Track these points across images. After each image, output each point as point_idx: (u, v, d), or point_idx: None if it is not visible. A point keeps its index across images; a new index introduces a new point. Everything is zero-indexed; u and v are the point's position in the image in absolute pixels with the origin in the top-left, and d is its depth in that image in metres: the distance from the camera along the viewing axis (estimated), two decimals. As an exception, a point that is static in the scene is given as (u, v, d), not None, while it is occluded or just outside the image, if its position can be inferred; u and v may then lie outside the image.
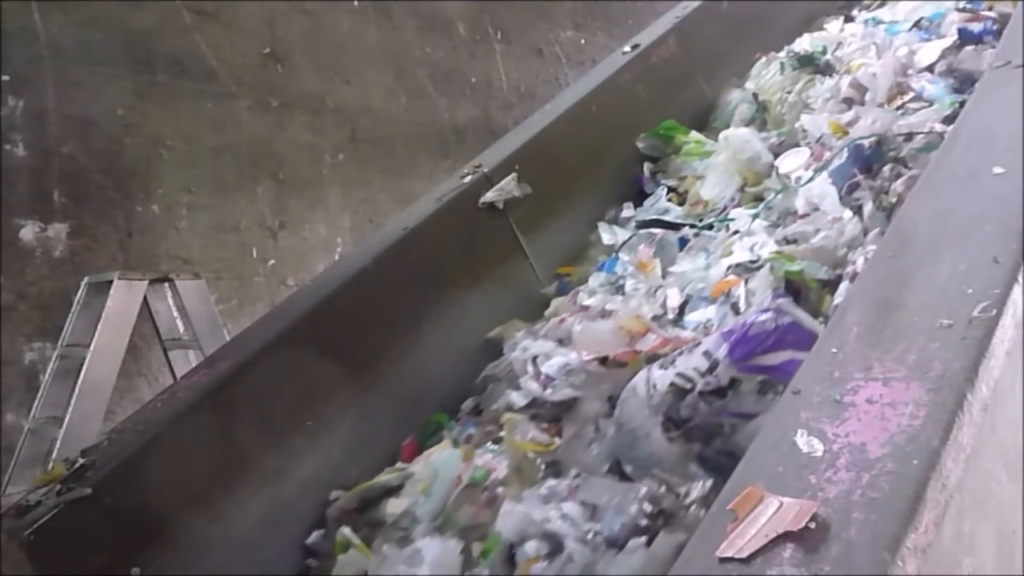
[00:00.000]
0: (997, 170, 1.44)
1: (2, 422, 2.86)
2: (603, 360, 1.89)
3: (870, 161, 2.14)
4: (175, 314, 3.10)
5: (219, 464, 1.72)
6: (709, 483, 1.45)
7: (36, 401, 2.80)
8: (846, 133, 2.38)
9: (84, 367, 2.73)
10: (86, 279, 2.96)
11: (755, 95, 3.01)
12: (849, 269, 1.84)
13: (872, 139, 2.18)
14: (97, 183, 3.17)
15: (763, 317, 1.59)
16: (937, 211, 1.45)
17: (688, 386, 1.61)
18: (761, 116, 2.94)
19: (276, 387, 1.84)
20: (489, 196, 2.37)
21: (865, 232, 1.99)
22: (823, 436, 1.01)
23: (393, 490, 1.86)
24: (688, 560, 0.98)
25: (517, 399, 1.99)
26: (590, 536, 1.54)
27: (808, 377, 1.16)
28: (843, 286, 1.76)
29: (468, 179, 2.40)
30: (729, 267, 2.07)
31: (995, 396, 1.08)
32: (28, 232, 3.00)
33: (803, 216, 2.17)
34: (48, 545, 1.47)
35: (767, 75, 3.04)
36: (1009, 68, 1.86)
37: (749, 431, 1.49)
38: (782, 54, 3.13)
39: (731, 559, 0.89)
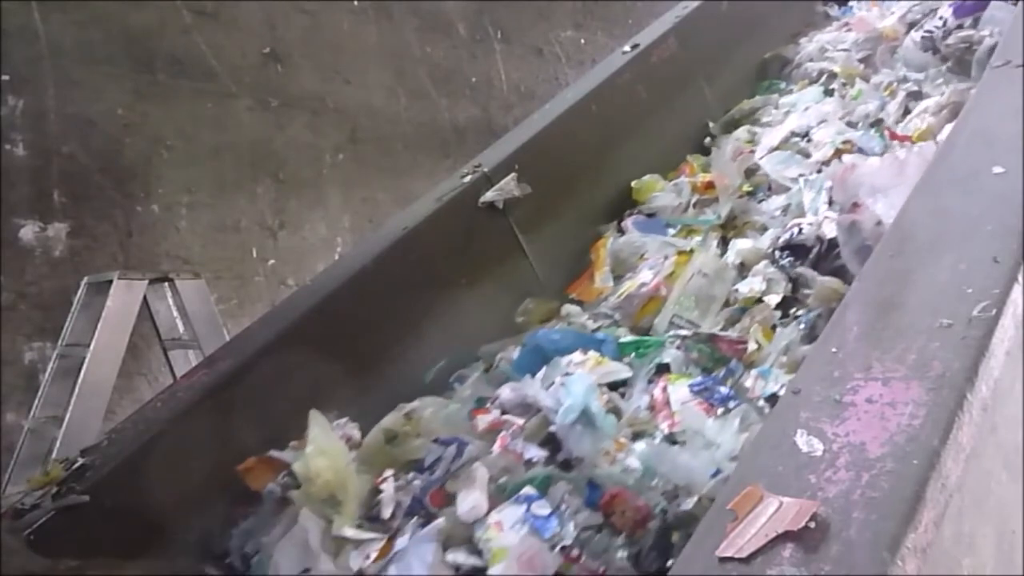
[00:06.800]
0: (997, 170, 1.44)
1: (2, 422, 2.86)
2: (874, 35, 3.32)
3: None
4: (175, 314, 3.10)
5: (219, 464, 1.72)
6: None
7: (36, 401, 2.80)
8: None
9: (84, 367, 2.73)
10: (86, 279, 2.96)
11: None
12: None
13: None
14: (97, 183, 3.17)
15: None
16: (937, 211, 1.46)
17: (934, 33, 2.99)
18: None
19: (276, 387, 1.84)
20: (489, 196, 2.37)
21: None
22: (823, 436, 1.01)
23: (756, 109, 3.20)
24: (688, 560, 0.97)
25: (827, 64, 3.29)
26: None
27: (808, 377, 1.16)
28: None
29: (468, 179, 2.40)
30: None
31: (995, 396, 1.08)
32: (28, 232, 3.00)
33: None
34: (48, 545, 1.47)
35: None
36: (1009, 68, 1.86)
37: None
38: None
39: (731, 559, 0.89)
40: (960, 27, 2.94)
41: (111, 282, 2.87)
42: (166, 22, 3.41)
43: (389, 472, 1.66)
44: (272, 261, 3.65)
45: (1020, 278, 1.19)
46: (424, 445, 1.73)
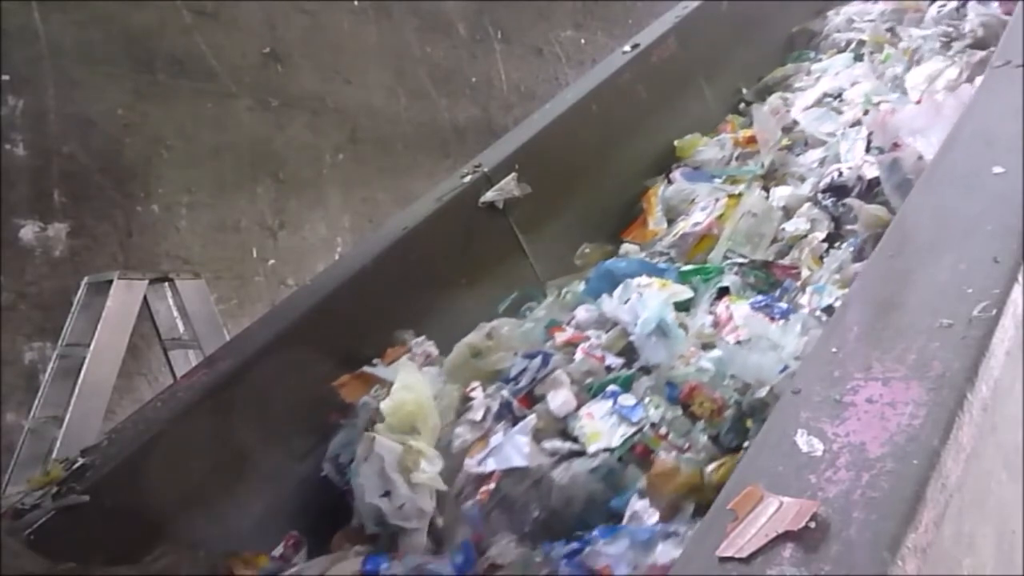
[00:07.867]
0: (997, 170, 1.44)
1: (2, 422, 2.86)
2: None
3: None
4: (175, 314, 3.10)
5: (219, 464, 1.72)
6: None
7: (36, 401, 2.80)
8: None
9: (84, 367, 2.72)
10: (86, 279, 2.96)
11: None
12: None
13: None
14: (97, 183, 3.17)
15: None
16: (937, 211, 1.46)
17: (945, 7, 3.19)
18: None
19: (276, 387, 1.84)
20: (489, 196, 2.37)
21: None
22: (823, 436, 1.01)
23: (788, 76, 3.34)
24: (688, 560, 0.97)
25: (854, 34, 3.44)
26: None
27: (808, 377, 1.16)
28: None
29: (468, 179, 2.40)
30: None
31: (995, 396, 1.08)
32: (28, 232, 3.00)
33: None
34: (48, 545, 1.47)
35: None
36: (1009, 68, 1.86)
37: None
38: None
39: (731, 559, 0.89)
40: (957, 10, 3.15)
41: (111, 282, 2.86)
42: (166, 22, 3.41)
43: (476, 383, 1.83)
44: (272, 261, 3.65)
45: (1020, 278, 1.19)
46: (507, 357, 1.90)
